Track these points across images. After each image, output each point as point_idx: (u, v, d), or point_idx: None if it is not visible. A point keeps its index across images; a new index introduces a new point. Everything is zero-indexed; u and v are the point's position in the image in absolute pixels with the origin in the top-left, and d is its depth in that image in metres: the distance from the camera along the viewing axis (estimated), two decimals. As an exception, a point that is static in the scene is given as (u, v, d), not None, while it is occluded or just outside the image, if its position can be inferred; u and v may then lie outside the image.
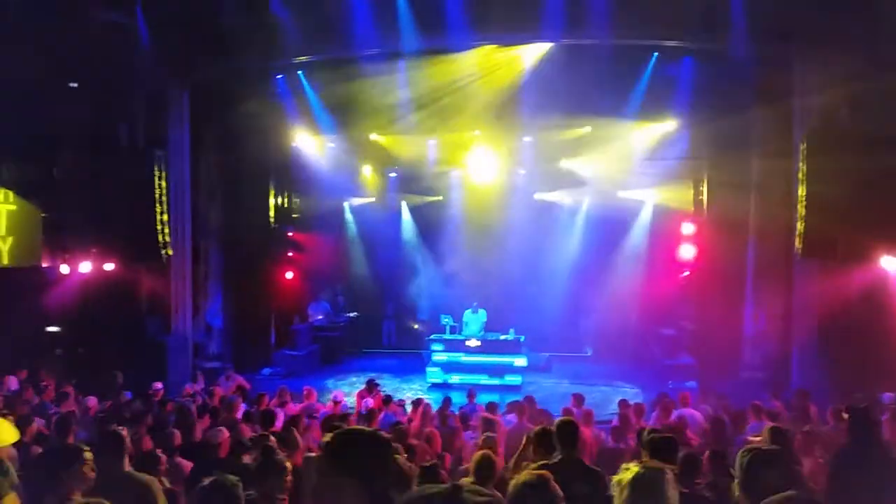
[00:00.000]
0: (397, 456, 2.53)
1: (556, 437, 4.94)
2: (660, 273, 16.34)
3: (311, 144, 17.02)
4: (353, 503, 2.25)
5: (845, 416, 5.15)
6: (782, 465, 3.12)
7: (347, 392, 12.75)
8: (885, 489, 4.64)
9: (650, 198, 17.44)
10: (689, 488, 4.31)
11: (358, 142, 16.98)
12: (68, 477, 3.86)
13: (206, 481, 3.38)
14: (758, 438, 5.88)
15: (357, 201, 19.98)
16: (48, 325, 13.19)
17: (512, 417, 8.87)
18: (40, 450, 5.99)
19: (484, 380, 14.90)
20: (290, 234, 17.34)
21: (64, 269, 12.63)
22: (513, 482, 2.71)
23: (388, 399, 10.25)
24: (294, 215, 17.94)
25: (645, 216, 17.68)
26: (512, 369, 15.19)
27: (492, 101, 14.07)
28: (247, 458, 5.71)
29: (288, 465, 4.64)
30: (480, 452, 5.09)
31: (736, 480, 3.18)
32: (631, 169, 16.56)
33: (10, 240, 11.67)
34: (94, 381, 10.72)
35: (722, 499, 4.56)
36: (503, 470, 5.60)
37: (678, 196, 16.28)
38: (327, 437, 2.39)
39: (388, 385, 14.05)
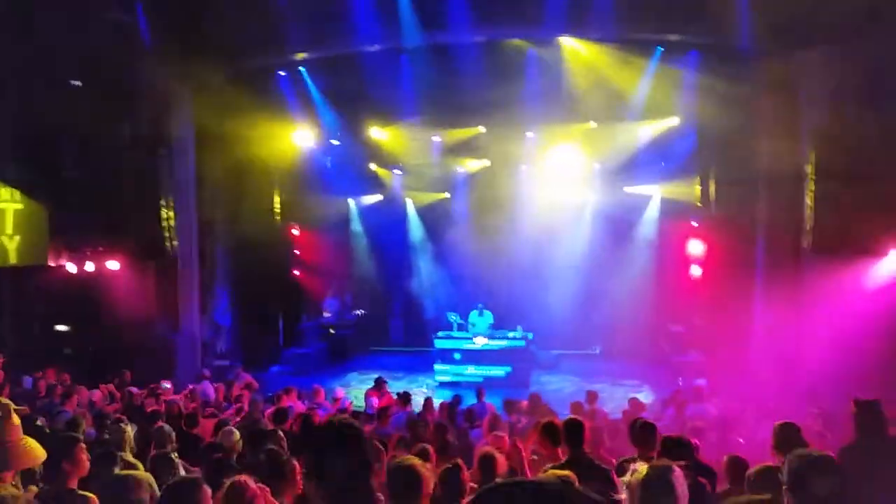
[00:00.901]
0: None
1: (564, 436, 4.91)
2: (669, 269, 16.23)
3: (315, 142, 17.02)
4: None
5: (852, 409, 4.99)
6: (833, 472, 3.04)
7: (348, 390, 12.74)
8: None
9: (657, 194, 17.36)
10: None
11: (362, 139, 16.95)
12: (67, 464, 3.96)
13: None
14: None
15: (363, 199, 19.96)
16: (56, 324, 13.23)
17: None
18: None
19: (493, 371, 14.91)
20: (295, 232, 17.33)
21: (71, 267, 12.68)
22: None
23: (406, 397, 9.90)
24: (300, 213, 17.92)
25: (652, 212, 17.58)
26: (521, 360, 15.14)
27: (495, 98, 13.99)
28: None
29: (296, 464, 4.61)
30: (483, 451, 5.04)
31: (784, 486, 3.11)
32: (637, 165, 16.48)
33: (17, 238, 11.74)
34: (103, 379, 10.73)
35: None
36: (509, 470, 5.55)
37: (686, 192, 16.19)
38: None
39: (396, 383, 14.04)
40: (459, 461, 4.38)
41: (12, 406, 3.34)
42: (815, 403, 8.95)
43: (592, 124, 15.85)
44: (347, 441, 2.42)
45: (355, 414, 9.20)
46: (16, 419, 3.31)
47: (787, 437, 4.63)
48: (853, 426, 5.18)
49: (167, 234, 13.53)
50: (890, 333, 9.61)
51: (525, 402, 9.49)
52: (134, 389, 10.13)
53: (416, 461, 3.29)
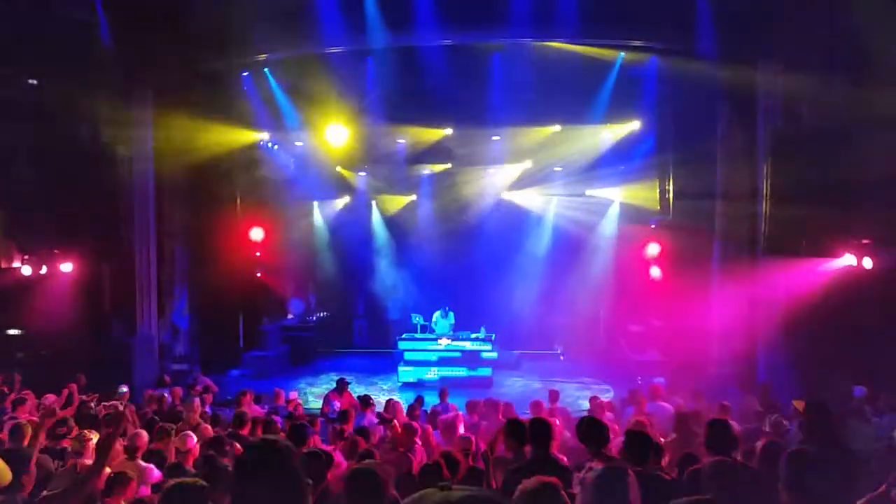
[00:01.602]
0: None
1: (530, 435, 4.93)
2: (628, 271, 16.49)
3: (278, 142, 16.87)
4: None
5: (801, 410, 5.03)
6: (829, 468, 3.09)
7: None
8: (844, 488, 4.52)
9: (617, 197, 17.64)
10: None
11: (326, 140, 16.85)
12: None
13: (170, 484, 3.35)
14: None
15: (327, 201, 19.85)
16: (8, 328, 12.87)
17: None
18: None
19: (455, 372, 14.99)
20: (258, 233, 17.13)
21: (25, 269, 12.37)
22: (519, 489, 2.69)
23: (365, 400, 9.69)
24: (262, 214, 17.72)
25: (612, 215, 17.86)
26: (482, 361, 15.24)
27: (462, 100, 14.07)
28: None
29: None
30: (444, 450, 5.08)
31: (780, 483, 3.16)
32: (598, 168, 16.73)
33: (-32, 240, 11.39)
34: (57, 384, 10.46)
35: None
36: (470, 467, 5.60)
37: (644, 194, 16.49)
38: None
39: (359, 385, 13.99)
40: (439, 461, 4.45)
41: None
42: (767, 400, 9.20)
43: (555, 128, 16.02)
44: (273, 465, 2.08)
45: (311, 417, 9.12)
46: None
47: (720, 435, 4.66)
48: (803, 428, 5.25)
49: (124, 236, 13.29)
50: (841, 329, 9.89)
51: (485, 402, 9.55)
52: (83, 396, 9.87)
53: (376, 464, 3.25)
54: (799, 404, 4.75)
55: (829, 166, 9.69)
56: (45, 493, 4.07)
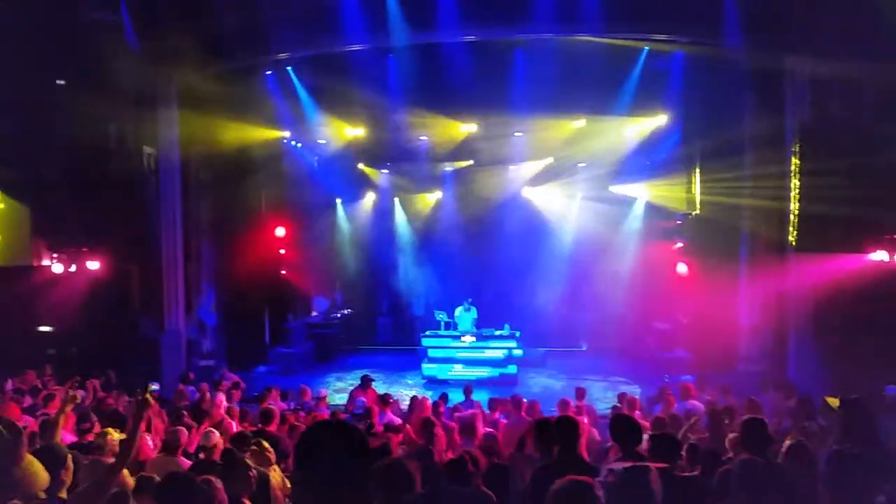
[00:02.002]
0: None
1: (556, 434, 4.88)
2: (654, 267, 16.32)
3: (301, 140, 16.95)
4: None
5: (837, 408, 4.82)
6: (869, 467, 3.01)
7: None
8: (882, 488, 4.40)
9: (643, 192, 17.46)
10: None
11: (350, 138, 16.90)
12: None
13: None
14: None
15: (350, 198, 19.92)
16: (40, 325, 13.08)
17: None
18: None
19: (480, 372, 14.91)
20: (283, 230, 17.23)
21: (56, 267, 12.55)
22: (552, 488, 2.66)
23: (385, 399, 9.62)
24: (287, 212, 17.84)
25: (638, 211, 17.70)
26: (508, 360, 15.18)
27: (485, 95, 14.01)
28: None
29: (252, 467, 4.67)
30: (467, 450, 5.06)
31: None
32: (624, 164, 16.58)
33: (-1, 239, 11.59)
34: (88, 380, 10.61)
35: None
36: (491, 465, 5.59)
37: (670, 191, 16.30)
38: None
39: (383, 382, 14.03)
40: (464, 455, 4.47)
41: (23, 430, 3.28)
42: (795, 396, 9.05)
43: (579, 123, 15.89)
44: (345, 442, 2.13)
45: (334, 413, 9.16)
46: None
47: (756, 434, 4.56)
48: (839, 426, 5.11)
49: (151, 233, 13.43)
50: (873, 326, 9.71)
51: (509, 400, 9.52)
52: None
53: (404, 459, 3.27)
54: (833, 401, 4.58)
55: (860, 159, 9.50)
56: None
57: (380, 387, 12.41)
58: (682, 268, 15.38)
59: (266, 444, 5.62)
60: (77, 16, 11.56)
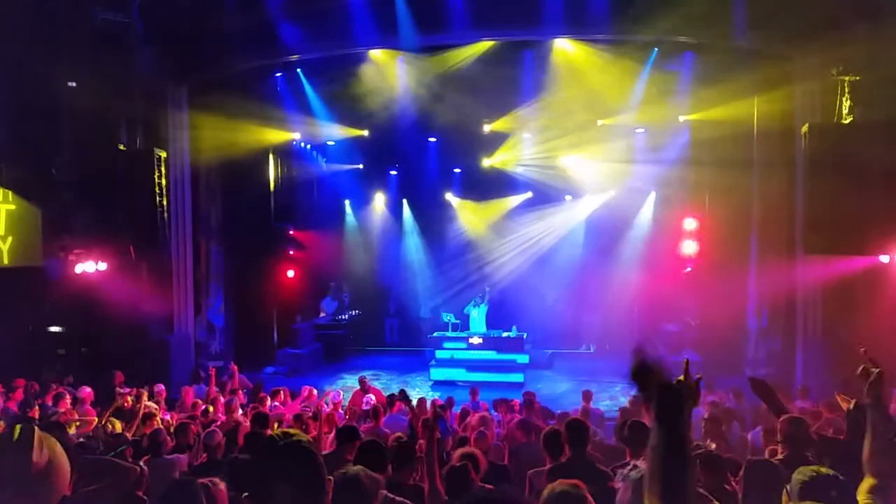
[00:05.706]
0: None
1: (566, 437, 4.89)
2: (662, 269, 16.27)
3: (310, 142, 16.99)
4: None
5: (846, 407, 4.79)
6: (839, 488, 2.99)
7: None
8: None
9: (652, 193, 17.41)
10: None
11: (358, 139, 16.93)
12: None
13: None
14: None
15: (358, 199, 19.95)
16: (50, 326, 13.15)
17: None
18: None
19: (487, 377, 14.88)
20: (290, 232, 17.30)
21: (66, 269, 12.60)
22: (546, 490, 2.65)
23: (390, 401, 9.73)
24: (295, 213, 17.90)
25: (647, 211, 17.63)
26: (515, 366, 15.17)
27: (494, 96, 14.01)
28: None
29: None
30: (461, 451, 5.02)
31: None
32: (633, 164, 16.53)
33: (9, 239, 11.60)
34: (97, 381, 10.67)
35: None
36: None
37: (680, 191, 16.24)
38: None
39: (392, 384, 14.03)
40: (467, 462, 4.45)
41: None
42: (808, 399, 9.01)
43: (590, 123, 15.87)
44: (297, 462, 1.94)
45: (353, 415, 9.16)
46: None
47: (797, 431, 4.59)
48: (846, 427, 5.08)
49: (160, 235, 13.46)
50: (885, 331, 9.63)
51: (516, 402, 9.51)
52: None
53: (361, 471, 3.01)
54: (842, 399, 4.54)
55: (870, 160, 9.42)
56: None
57: (389, 388, 12.41)
58: (689, 269, 15.23)
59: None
60: (89, 17, 11.61)
